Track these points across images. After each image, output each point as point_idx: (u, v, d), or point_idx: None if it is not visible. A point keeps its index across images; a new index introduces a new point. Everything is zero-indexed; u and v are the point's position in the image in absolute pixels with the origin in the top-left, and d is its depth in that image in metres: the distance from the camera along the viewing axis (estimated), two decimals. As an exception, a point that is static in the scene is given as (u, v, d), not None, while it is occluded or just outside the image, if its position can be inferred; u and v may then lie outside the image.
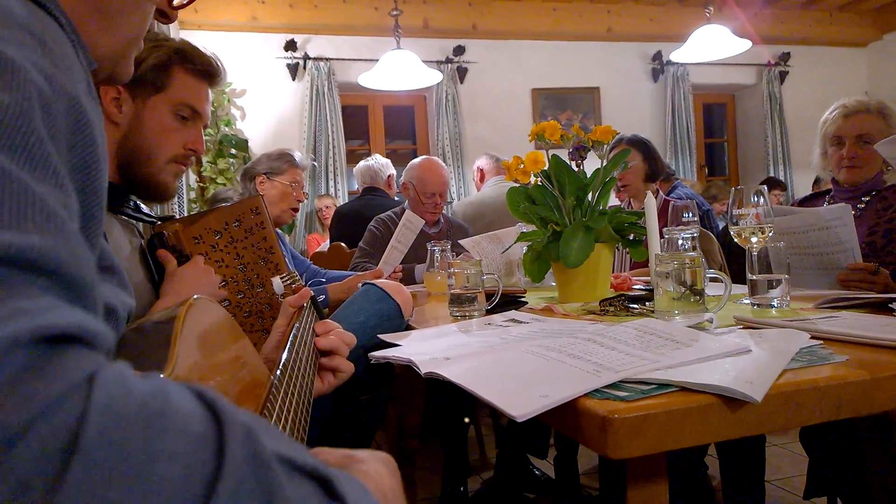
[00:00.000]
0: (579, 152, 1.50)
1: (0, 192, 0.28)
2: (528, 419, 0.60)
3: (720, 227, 2.64)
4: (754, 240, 1.20)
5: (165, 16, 0.68)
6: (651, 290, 1.17)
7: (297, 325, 0.81)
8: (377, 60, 3.65)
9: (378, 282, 1.31)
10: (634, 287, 1.50)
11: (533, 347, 0.80)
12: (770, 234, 1.21)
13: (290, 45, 4.55)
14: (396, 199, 3.27)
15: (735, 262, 1.96)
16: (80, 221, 0.36)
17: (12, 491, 0.22)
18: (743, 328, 0.95)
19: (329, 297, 1.85)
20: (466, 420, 2.05)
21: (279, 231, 2.36)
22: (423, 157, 2.66)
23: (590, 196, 1.44)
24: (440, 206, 2.50)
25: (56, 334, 0.26)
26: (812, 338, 0.82)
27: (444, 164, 2.63)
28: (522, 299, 1.44)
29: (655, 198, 1.70)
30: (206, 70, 1.13)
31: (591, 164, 1.43)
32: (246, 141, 4.41)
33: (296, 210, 2.21)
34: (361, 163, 3.28)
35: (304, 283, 0.97)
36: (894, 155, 1.26)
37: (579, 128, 1.55)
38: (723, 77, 5.52)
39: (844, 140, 1.72)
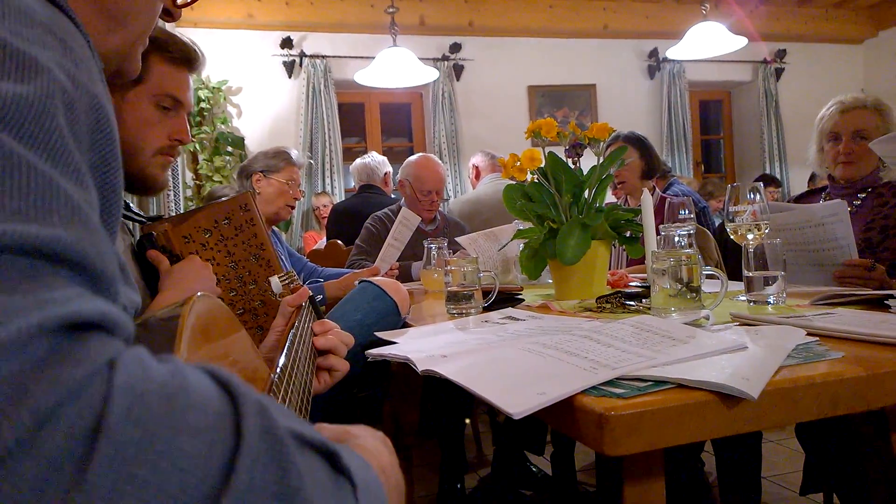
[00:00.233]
0: (576, 149, 1.50)
1: (26, 186, 0.29)
2: (525, 416, 0.60)
3: (716, 224, 2.64)
4: (750, 236, 1.20)
5: (170, 14, 0.67)
6: (647, 288, 1.17)
7: (295, 324, 0.80)
8: (373, 58, 3.65)
9: (375, 279, 1.30)
10: (631, 284, 1.50)
11: (530, 345, 0.80)
12: (766, 231, 1.22)
13: (287, 43, 4.54)
14: (393, 196, 3.26)
15: (731, 259, 1.96)
16: (100, 219, 0.37)
17: (43, 472, 0.22)
18: (739, 325, 0.95)
19: (326, 294, 1.85)
20: (467, 421, 2.05)
21: (276, 229, 2.36)
22: (420, 154, 2.65)
23: (586, 193, 1.44)
24: (437, 203, 2.50)
25: (79, 322, 0.27)
26: (808, 334, 0.82)
27: (440, 162, 2.63)
28: (519, 296, 1.44)
29: (652, 195, 1.70)
30: (184, 57, 1.10)
31: (588, 161, 1.43)
32: (242, 139, 4.40)
33: (292, 208, 2.20)
34: (358, 160, 3.27)
35: (301, 282, 0.96)
36: (889, 153, 1.26)
37: (576, 125, 1.55)
38: (719, 74, 5.52)
39: (841, 136, 1.72)
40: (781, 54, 5.58)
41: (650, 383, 0.64)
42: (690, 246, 1.37)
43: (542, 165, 1.44)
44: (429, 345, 0.95)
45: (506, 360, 0.78)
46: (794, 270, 1.49)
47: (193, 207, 1.62)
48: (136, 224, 1.16)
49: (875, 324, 0.85)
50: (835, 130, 1.74)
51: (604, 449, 0.58)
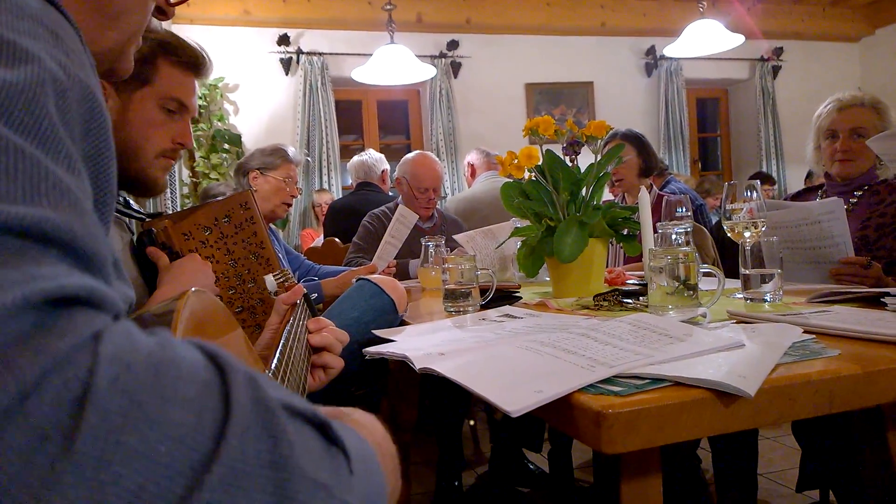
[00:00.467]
0: (573, 147, 1.50)
1: (14, 169, 0.29)
2: (523, 414, 0.60)
3: (713, 222, 2.65)
4: (747, 234, 1.21)
5: (163, 12, 0.67)
6: (645, 285, 1.17)
7: (290, 322, 0.80)
8: (371, 55, 3.64)
9: (372, 277, 1.30)
10: (628, 282, 1.50)
11: (527, 342, 0.80)
12: (763, 229, 1.22)
13: (283, 40, 4.53)
14: (390, 194, 3.26)
15: (728, 257, 1.97)
16: (93, 207, 0.37)
17: (31, 442, 0.23)
18: (736, 323, 0.95)
19: (323, 292, 1.85)
20: (472, 423, 2.05)
21: (272, 226, 2.36)
22: (417, 151, 2.65)
23: (584, 191, 1.44)
24: (434, 200, 2.50)
25: (65, 296, 0.27)
26: (805, 332, 0.82)
27: (437, 159, 2.62)
28: (517, 294, 1.44)
29: (649, 193, 1.70)
30: (192, 62, 1.10)
31: (586, 159, 1.43)
32: (239, 136, 4.39)
33: (289, 205, 2.20)
34: (355, 158, 3.26)
35: (296, 280, 0.96)
36: (885, 151, 1.27)
37: (573, 123, 1.55)
38: (716, 72, 5.52)
39: (838, 133, 1.73)
40: (778, 52, 5.59)
41: (647, 381, 0.64)
42: (688, 244, 1.37)
43: (540, 163, 1.44)
44: (426, 343, 0.95)
45: (503, 357, 0.78)
46: (791, 268, 1.49)
47: (193, 205, 1.61)
48: (136, 221, 1.16)
49: (871, 321, 0.85)
50: (832, 128, 1.74)
51: (601, 446, 0.58)
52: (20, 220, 0.27)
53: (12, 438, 0.22)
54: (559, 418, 0.63)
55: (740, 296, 1.21)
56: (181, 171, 4.27)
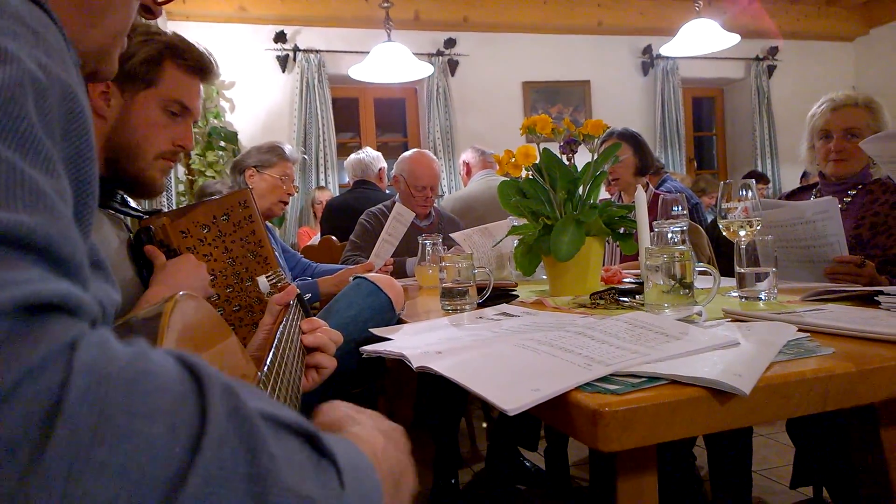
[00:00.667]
0: (570, 146, 1.50)
1: None
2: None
3: (708, 221, 2.66)
4: (742, 233, 1.21)
5: (150, 11, 0.67)
6: (641, 284, 1.18)
7: (283, 322, 0.80)
8: (368, 53, 3.63)
9: (369, 275, 1.30)
10: (625, 280, 1.50)
11: (524, 341, 0.81)
12: (758, 228, 1.23)
13: (280, 37, 4.52)
14: (388, 192, 3.26)
15: (723, 255, 1.98)
16: (73, 210, 0.36)
17: None
18: (731, 321, 0.95)
19: (320, 290, 1.85)
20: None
21: (269, 224, 2.35)
22: (414, 150, 2.65)
23: (580, 189, 1.44)
24: (431, 199, 2.50)
25: (39, 303, 0.26)
26: (799, 330, 0.83)
27: (435, 158, 2.62)
28: (514, 293, 1.44)
29: (645, 191, 1.70)
30: (199, 66, 1.10)
31: (582, 157, 1.43)
32: (235, 133, 4.38)
33: (285, 203, 2.20)
34: (352, 156, 3.26)
35: (291, 280, 0.96)
36: (879, 152, 1.27)
37: (570, 121, 1.55)
38: (712, 71, 5.54)
39: (832, 133, 1.73)
40: (773, 51, 5.60)
41: (644, 379, 0.64)
42: (683, 242, 1.37)
43: (537, 162, 1.45)
44: (423, 341, 0.96)
45: (500, 356, 0.78)
46: (786, 267, 1.50)
47: (190, 202, 1.61)
48: (134, 220, 1.16)
49: (865, 320, 0.85)
50: (826, 128, 1.75)
51: (598, 444, 0.58)
52: None
53: None
54: (556, 416, 0.64)
55: (735, 294, 1.21)
56: (177, 169, 4.25)
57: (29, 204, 0.29)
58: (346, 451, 0.34)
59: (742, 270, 1.19)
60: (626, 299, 1.19)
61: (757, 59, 5.57)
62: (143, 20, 0.99)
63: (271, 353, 0.68)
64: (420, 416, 2.25)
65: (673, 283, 1.01)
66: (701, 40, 3.60)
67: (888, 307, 0.97)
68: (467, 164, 3.27)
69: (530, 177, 1.48)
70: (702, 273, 1.13)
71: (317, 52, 4.58)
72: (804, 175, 4.75)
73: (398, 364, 0.89)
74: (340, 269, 2.08)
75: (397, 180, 2.53)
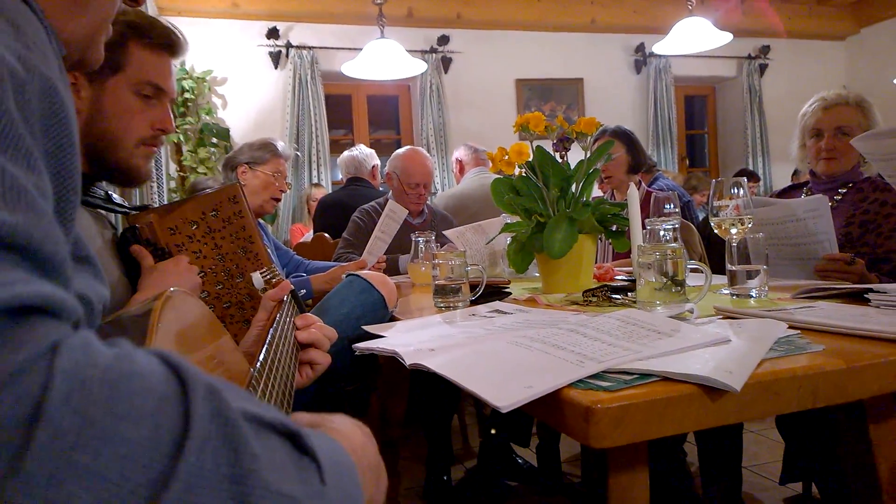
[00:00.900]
0: (563, 144, 1.50)
1: None
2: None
3: (700, 218, 2.67)
4: (734, 231, 1.22)
5: (134, 0, 0.66)
6: (633, 281, 1.18)
7: (277, 318, 0.80)
8: (361, 49, 3.62)
9: (362, 273, 1.30)
10: (617, 278, 1.51)
11: (517, 338, 0.81)
12: (749, 226, 1.23)
13: (273, 33, 4.49)
14: (381, 189, 3.25)
15: (714, 252, 1.99)
16: (54, 206, 0.36)
17: None
18: (723, 318, 0.96)
19: (312, 288, 1.84)
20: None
21: (261, 221, 2.34)
22: (408, 147, 2.65)
23: (574, 187, 1.44)
24: (424, 196, 2.50)
25: (21, 305, 0.26)
26: (790, 327, 0.83)
27: (428, 155, 2.62)
28: (506, 290, 1.45)
29: (638, 189, 1.71)
30: (165, 42, 1.04)
31: (575, 155, 1.43)
32: (227, 130, 4.36)
33: (277, 200, 2.19)
34: (346, 153, 3.25)
35: (284, 276, 0.96)
36: (869, 150, 1.28)
37: (563, 119, 1.55)
38: (704, 69, 5.56)
39: (823, 132, 1.74)
40: (765, 50, 5.63)
41: (636, 376, 0.65)
42: (675, 240, 1.38)
43: (530, 159, 1.45)
44: (416, 338, 0.96)
45: (493, 353, 0.79)
46: (776, 264, 1.51)
47: (180, 198, 1.59)
48: (120, 216, 1.14)
49: (855, 317, 0.86)
50: (817, 127, 1.76)
51: (590, 441, 0.58)
52: None
53: None
54: (548, 413, 0.64)
55: (727, 291, 1.22)
56: (168, 165, 4.23)
57: (10, 202, 0.29)
58: (328, 447, 0.34)
59: (733, 268, 1.19)
60: (618, 296, 1.19)
61: (749, 57, 5.60)
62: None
63: (264, 350, 0.68)
64: (413, 414, 2.25)
65: (665, 280, 1.01)
66: (693, 39, 3.61)
67: (878, 304, 0.98)
68: (460, 162, 3.27)
69: (523, 174, 1.48)
70: (693, 270, 1.14)
71: (309, 48, 4.56)
72: (795, 173, 4.78)
73: (391, 361, 0.89)
74: (333, 266, 2.07)
75: (390, 177, 2.52)
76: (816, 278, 1.45)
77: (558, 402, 0.62)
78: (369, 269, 1.86)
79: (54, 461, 0.23)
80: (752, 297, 1.15)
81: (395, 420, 1.58)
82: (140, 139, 1.03)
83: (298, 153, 4.47)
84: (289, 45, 4.54)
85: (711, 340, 0.75)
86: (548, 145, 1.50)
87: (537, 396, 0.61)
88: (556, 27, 5.12)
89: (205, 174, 4.15)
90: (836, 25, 5.78)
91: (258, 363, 0.64)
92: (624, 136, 2.33)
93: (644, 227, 1.38)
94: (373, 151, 3.27)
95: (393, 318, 1.25)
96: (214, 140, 4.30)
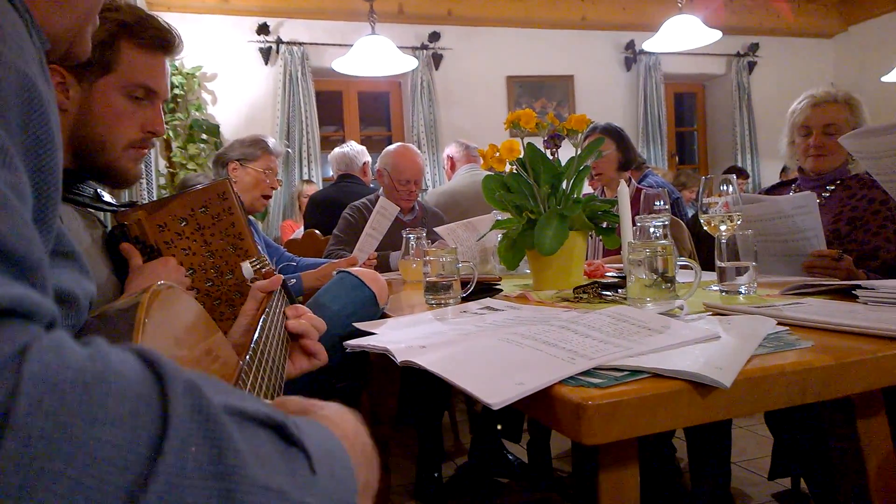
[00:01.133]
0: (554, 140, 1.50)
1: None
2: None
3: (689, 215, 2.68)
4: (723, 228, 1.22)
5: None
6: (624, 278, 1.18)
7: (267, 308, 0.80)
8: (351, 46, 3.61)
9: (353, 270, 1.30)
10: (607, 274, 1.51)
11: (508, 335, 0.81)
12: (739, 222, 1.24)
13: (263, 29, 4.46)
14: (372, 186, 3.24)
15: (704, 249, 2.00)
16: (34, 203, 0.35)
17: None
18: (712, 315, 0.97)
19: (303, 284, 1.84)
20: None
21: (252, 219, 2.33)
22: (398, 143, 2.64)
23: (564, 184, 1.45)
24: (415, 193, 2.50)
25: None
26: (779, 324, 0.84)
27: (418, 151, 2.61)
28: (497, 287, 1.45)
29: (628, 186, 1.71)
30: (158, 41, 1.00)
31: (566, 152, 1.43)
32: (217, 126, 4.33)
33: (268, 197, 2.17)
34: (336, 149, 3.24)
35: (275, 270, 0.95)
36: (858, 148, 1.29)
37: (554, 116, 1.56)
38: (693, 67, 5.59)
39: (812, 129, 1.76)
40: (754, 48, 5.66)
41: (626, 373, 0.65)
42: (665, 237, 1.38)
43: (521, 156, 1.45)
44: (407, 335, 0.96)
45: (484, 350, 0.79)
46: (765, 261, 1.52)
47: (169, 195, 1.57)
48: (109, 213, 1.13)
49: (843, 313, 0.87)
50: (806, 124, 1.77)
51: (581, 438, 0.58)
52: None
53: None
54: (539, 410, 0.64)
55: (716, 288, 1.23)
56: (157, 162, 4.20)
57: None
58: (318, 435, 0.33)
59: (722, 265, 1.20)
60: (608, 293, 1.20)
61: (738, 55, 5.63)
62: None
63: (254, 340, 0.68)
64: (404, 410, 2.25)
65: (655, 277, 1.01)
66: (683, 36, 3.63)
67: (866, 301, 0.99)
68: (451, 159, 3.26)
69: (514, 171, 1.48)
70: (683, 267, 1.14)
71: (300, 44, 4.54)
72: (784, 170, 4.81)
73: (382, 358, 0.89)
74: (324, 263, 2.07)
75: (381, 174, 2.52)
76: (805, 275, 1.46)
77: (549, 398, 0.62)
78: (360, 266, 1.85)
79: (25, 470, 0.22)
80: (741, 293, 1.16)
81: (385, 417, 1.58)
82: (129, 142, 1.00)
83: (289, 150, 4.45)
84: (279, 41, 4.52)
85: (701, 337, 0.75)
86: (538, 142, 1.50)
87: (528, 393, 0.61)
88: (547, 24, 5.13)
89: (195, 171, 4.12)
90: (824, 23, 5.82)
91: (248, 353, 0.64)
92: (614, 133, 2.33)
93: (634, 224, 1.39)
94: (363, 148, 3.26)
95: (384, 316, 1.25)
96: (204, 136, 4.27)
